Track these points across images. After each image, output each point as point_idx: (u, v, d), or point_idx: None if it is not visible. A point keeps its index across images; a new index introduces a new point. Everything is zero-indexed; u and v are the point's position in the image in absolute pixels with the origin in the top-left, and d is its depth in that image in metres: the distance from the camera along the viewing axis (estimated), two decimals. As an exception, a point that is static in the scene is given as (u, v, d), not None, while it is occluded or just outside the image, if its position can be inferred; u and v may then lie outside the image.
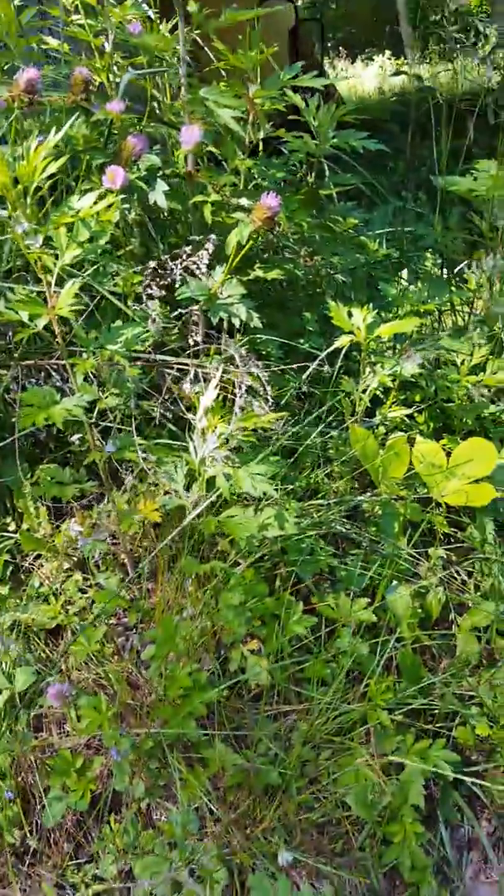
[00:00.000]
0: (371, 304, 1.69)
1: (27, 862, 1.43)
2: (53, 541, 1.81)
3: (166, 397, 1.60)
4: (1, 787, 1.38)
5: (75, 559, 1.83)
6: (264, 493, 1.25)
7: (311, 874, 1.29)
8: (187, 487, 1.42)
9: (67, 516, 1.90)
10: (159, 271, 1.41)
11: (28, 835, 1.43)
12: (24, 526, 1.85)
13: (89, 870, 1.39)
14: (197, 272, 1.39)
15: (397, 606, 1.51)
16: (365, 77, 10.09)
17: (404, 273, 2.14)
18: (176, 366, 1.48)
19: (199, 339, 1.48)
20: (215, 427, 1.22)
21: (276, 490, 1.32)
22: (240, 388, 1.30)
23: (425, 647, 1.59)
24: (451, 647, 1.60)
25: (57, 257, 1.21)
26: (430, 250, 2.19)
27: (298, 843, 1.26)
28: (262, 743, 1.38)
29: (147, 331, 1.35)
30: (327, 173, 1.96)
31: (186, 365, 1.47)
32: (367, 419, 1.83)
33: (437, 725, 1.43)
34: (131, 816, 1.38)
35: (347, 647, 1.43)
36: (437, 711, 1.46)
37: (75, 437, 1.88)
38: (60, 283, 1.29)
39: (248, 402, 1.27)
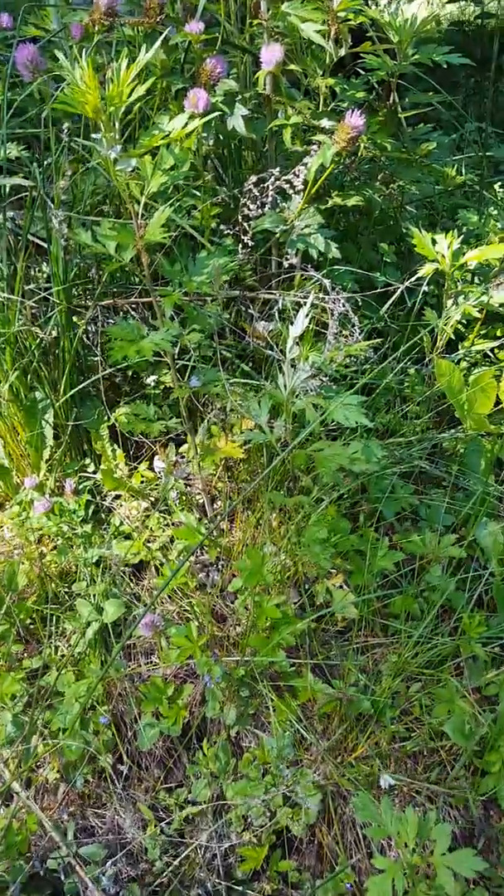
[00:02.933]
0: (455, 232, 1.61)
1: (121, 785, 1.48)
2: (132, 481, 1.83)
3: (246, 335, 1.57)
4: (97, 713, 1.42)
5: (153, 499, 1.85)
6: (357, 424, 1.22)
7: (406, 801, 1.30)
8: (271, 423, 1.40)
9: (143, 459, 1.91)
10: (246, 199, 1.36)
11: (121, 759, 1.49)
12: (103, 467, 1.87)
13: (181, 793, 1.43)
14: (291, 191, 1.34)
15: (488, 543, 1.47)
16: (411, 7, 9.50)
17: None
18: (262, 297, 1.45)
19: (277, 269, 1.43)
20: (307, 356, 1.19)
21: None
22: (332, 315, 1.26)
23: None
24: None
25: (143, 187, 1.18)
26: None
27: (393, 772, 1.27)
28: (352, 674, 1.38)
29: (233, 261, 1.32)
30: (399, 98, 1.86)
31: (273, 295, 1.44)
32: (447, 355, 1.77)
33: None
34: (222, 743, 1.41)
35: (437, 582, 1.40)
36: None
37: (151, 379, 1.87)
38: (142, 216, 1.26)
39: (337, 331, 1.23)
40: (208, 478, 1.86)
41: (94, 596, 1.58)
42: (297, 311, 1.25)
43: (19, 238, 1.68)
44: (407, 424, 1.72)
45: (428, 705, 1.34)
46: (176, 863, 1.36)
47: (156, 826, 1.38)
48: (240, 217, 1.39)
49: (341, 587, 1.48)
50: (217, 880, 1.36)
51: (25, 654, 1.56)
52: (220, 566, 1.71)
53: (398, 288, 1.63)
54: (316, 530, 1.45)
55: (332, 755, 1.33)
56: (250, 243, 1.41)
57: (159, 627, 1.41)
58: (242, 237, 1.39)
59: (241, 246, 1.38)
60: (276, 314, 1.40)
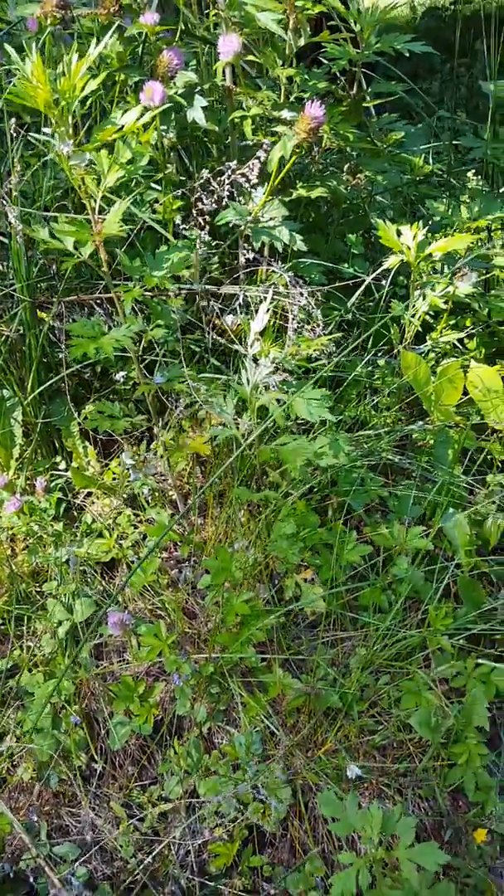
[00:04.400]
0: (420, 223, 1.60)
1: (94, 783, 1.48)
2: (103, 478, 1.82)
3: (209, 330, 1.56)
4: (67, 712, 1.42)
5: (125, 496, 1.84)
6: (321, 419, 1.22)
7: (375, 795, 1.31)
8: (236, 419, 1.39)
9: (115, 456, 1.90)
10: (202, 193, 1.35)
11: (94, 758, 1.49)
12: (74, 465, 1.86)
13: (154, 791, 1.43)
14: (246, 185, 1.33)
15: (454, 534, 1.48)
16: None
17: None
18: (223, 292, 1.44)
19: (242, 262, 1.42)
20: (268, 352, 1.18)
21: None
22: (292, 311, 1.25)
23: (483, 575, 1.56)
24: (510, 575, 1.57)
25: (100, 181, 1.16)
26: (475, 165, 2.06)
27: (362, 765, 1.28)
28: (321, 668, 1.39)
29: (191, 255, 1.30)
30: (366, 87, 1.85)
31: (234, 290, 1.42)
32: (415, 346, 1.77)
33: (500, 650, 1.41)
34: (194, 740, 1.41)
35: (404, 574, 1.41)
36: (498, 637, 1.44)
37: (120, 376, 1.86)
38: (102, 210, 1.24)
39: (300, 325, 1.22)
40: (180, 474, 1.85)
41: (65, 595, 1.57)
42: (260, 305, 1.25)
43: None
44: (377, 416, 1.72)
45: (396, 698, 1.35)
46: (149, 860, 1.36)
47: (129, 824, 1.39)
48: (194, 212, 1.38)
49: (311, 581, 1.48)
50: (190, 876, 1.37)
51: (-5, 656, 1.55)
52: (192, 563, 1.71)
53: (365, 280, 1.62)
54: (284, 525, 1.45)
55: (301, 750, 1.33)
56: (206, 237, 1.39)
57: (129, 626, 1.41)
58: (200, 231, 1.37)
59: (198, 240, 1.37)
60: (238, 309, 1.39)
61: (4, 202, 1.33)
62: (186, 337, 1.58)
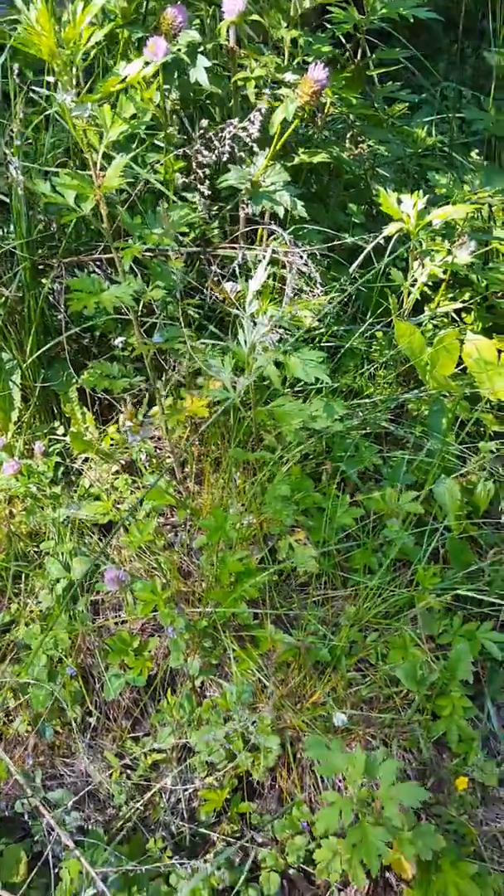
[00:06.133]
0: (421, 192, 1.61)
1: (88, 735, 1.52)
2: (101, 444, 1.85)
3: (209, 295, 1.57)
4: (64, 664, 1.45)
5: (122, 463, 1.87)
6: (317, 380, 1.24)
7: (361, 745, 1.35)
8: (234, 380, 1.41)
9: (112, 422, 1.92)
10: (200, 145, 1.35)
11: (89, 711, 1.52)
12: (73, 429, 1.88)
13: (147, 742, 1.48)
14: (248, 139, 1.33)
15: (445, 499, 1.51)
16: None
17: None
18: (222, 254, 1.45)
19: (242, 224, 1.43)
20: (266, 310, 1.20)
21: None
22: (290, 269, 1.26)
23: (472, 539, 1.59)
24: (500, 540, 1.61)
25: (102, 136, 1.17)
26: (478, 138, 2.06)
27: (349, 715, 1.31)
28: (311, 625, 1.42)
29: (192, 213, 1.31)
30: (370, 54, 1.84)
31: (234, 249, 1.44)
32: (413, 318, 1.79)
33: (486, 610, 1.45)
34: (187, 692, 1.45)
35: (394, 535, 1.44)
36: (484, 598, 1.48)
37: (119, 341, 1.87)
38: (104, 167, 1.25)
39: (298, 288, 1.24)
40: (178, 440, 1.87)
41: (63, 554, 1.60)
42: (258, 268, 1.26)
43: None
44: (374, 386, 1.74)
45: (384, 653, 1.39)
46: (141, 807, 1.41)
47: (122, 773, 1.43)
48: (194, 164, 1.38)
49: (303, 543, 1.51)
50: (181, 823, 1.41)
51: (-7, 610, 1.58)
52: (188, 527, 1.74)
53: (365, 249, 1.63)
54: (279, 487, 1.47)
55: (290, 701, 1.37)
56: (206, 192, 1.40)
57: (125, 582, 1.44)
58: (199, 186, 1.38)
59: (199, 196, 1.38)
60: (237, 269, 1.41)
61: (7, 156, 1.34)
62: (186, 302, 1.60)
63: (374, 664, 1.39)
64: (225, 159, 1.39)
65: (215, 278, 1.53)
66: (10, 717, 1.54)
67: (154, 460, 1.81)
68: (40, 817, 1.32)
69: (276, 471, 1.53)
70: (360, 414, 1.63)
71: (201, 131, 1.34)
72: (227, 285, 1.64)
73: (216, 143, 1.36)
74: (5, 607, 1.57)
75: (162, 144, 1.44)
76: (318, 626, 1.41)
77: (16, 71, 1.33)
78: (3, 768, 1.41)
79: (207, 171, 1.39)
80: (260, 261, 1.18)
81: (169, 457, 1.82)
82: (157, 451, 1.84)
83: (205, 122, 1.34)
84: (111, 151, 1.24)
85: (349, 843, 1.04)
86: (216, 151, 1.36)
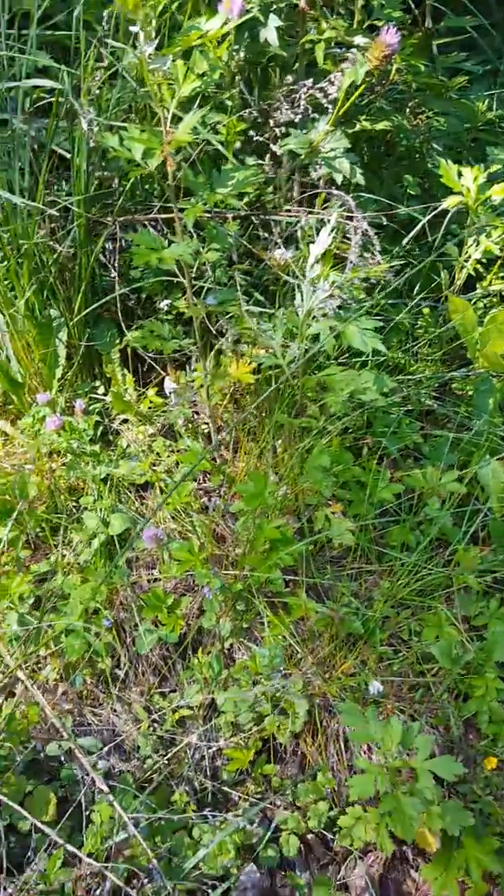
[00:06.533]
0: (481, 167, 1.58)
1: (117, 687, 1.55)
2: (140, 406, 1.86)
3: (261, 260, 1.56)
4: (100, 615, 1.48)
5: (159, 426, 1.88)
6: (374, 351, 1.23)
7: (389, 717, 1.36)
8: (285, 346, 1.41)
9: (152, 385, 1.93)
10: (283, 109, 1.33)
11: (119, 664, 1.55)
12: (113, 390, 1.89)
13: (174, 698, 1.50)
14: (325, 101, 1.31)
15: (488, 480, 1.49)
16: None
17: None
18: (279, 217, 1.43)
19: (297, 191, 1.41)
20: (328, 275, 1.18)
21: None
22: (356, 234, 1.25)
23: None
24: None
25: (174, 91, 1.16)
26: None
27: (382, 682, 1.32)
28: (344, 597, 1.43)
29: (258, 173, 1.30)
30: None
31: (291, 214, 1.42)
32: (463, 295, 1.76)
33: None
34: (216, 653, 1.47)
35: (435, 514, 1.43)
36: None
37: (164, 303, 1.87)
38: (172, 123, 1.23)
39: (360, 253, 1.22)
40: (215, 407, 1.88)
41: (101, 510, 1.62)
42: (319, 232, 1.25)
43: (43, 148, 1.66)
44: (419, 363, 1.72)
45: (417, 631, 1.39)
46: (165, 761, 1.43)
47: (149, 725, 1.45)
48: (271, 122, 1.36)
49: (339, 516, 1.51)
50: (204, 779, 1.44)
51: (33, 560, 1.61)
52: (221, 493, 1.75)
53: (420, 222, 1.60)
54: (319, 457, 1.47)
55: (320, 669, 1.38)
56: (279, 151, 1.38)
57: (162, 541, 1.46)
58: (271, 146, 1.36)
59: (269, 157, 1.36)
60: (292, 235, 1.39)
61: (79, 107, 1.33)
62: (236, 266, 1.59)
63: (406, 640, 1.39)
64: (298, 120, 1.37)
65: (268, 244, 1.52)
66: (40, 665, 1.57)
67: (191, 425, 1.82)
68: (73, 761, 1.35)
69: (317, 442, 1.52)
70: (404, 390, 1.62)
71: (282, 90, 1.32)
72: (276, 252, 1.63)
73: (287, 106, 1.34)
74: (45, 557, 1.60)
75: (229, 103, 1.42)
76: (351, 599, 1.41)
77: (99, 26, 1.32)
78: (35, 712, 1.44)
79: (283, 130, 1.36)
80: (325, 224, 1.17)
81: (206, 423, 1.82)
82: (195, 415, 1.85)
83: (289, 78, 1.32)
84: (178, 112, 1.23)
85: (381, 811, 1.05)
86: (292, 110, 1.34)
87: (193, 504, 1.65)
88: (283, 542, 1.43)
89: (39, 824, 1.21)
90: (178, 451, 1.79)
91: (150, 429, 1.86)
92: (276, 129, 1.38)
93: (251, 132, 1.41)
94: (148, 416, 1.86)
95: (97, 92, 1.49)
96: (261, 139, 1.38)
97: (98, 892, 1.15)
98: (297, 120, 1.37)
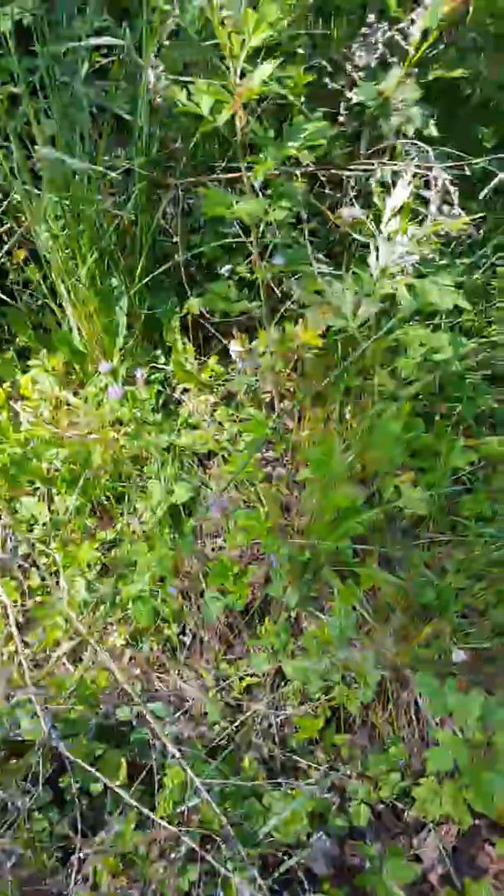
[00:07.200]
0: None
1: (184, 654, 1.55)
2: (201, 375, 1.83)
3: (328, 220, 1.50)
4: (166, 582, 1.48)
5: (220, 396, 1.86)
6: (448, 312, 1.17)
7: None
8: (356, 309, 1.35)
9: (212, 354, 1.90)
10: (360, 53, 1.26)
11: (185, 632, 1.55)
12: (174, 358, 1.87)
13: (241, 665, 1.50)
14: (404, 44, 1.23)
15: None
16: None
17: None
18: (350, 172, 1.37)
19: (369, 147, 1.34)
20: (406, 229, 1.12)
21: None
22: (435, 185, 1.18)
23: None
24: None
25: (243, 42, 1.11)
26: None
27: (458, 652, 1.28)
28: (416, 568, 1.39)
29: (331, 125, 1.24)
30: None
31: (369, 168, 1.36)
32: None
33: None
34: (283, 622, 1.45)
35: (513, 483, 1.37)
36: None
37: (225, 269, 1.83)
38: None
39: (441, 203, 1.16)
40: (278, 374, 1.84)
41: (165, 479, 1.61)
42: (394, 186, 1.18)
43: (103, 111, 1.62)
44: (493, 326, 1.64)
45: (493, 603, 1.34)
46: (233, 728, 1.43)
47: (216, 692, 1.45)
48: (349, 67, 1.29)
49: (412, 484, 1.46)
50: (272, 746, 1.43)
51: (99, 528, 1.62)
52: (285, 462, 1.72)
53: (497, 175, 1.51)
54: (389, 423, 1.42)
55: (393, 640, 1.35)
56: (355, 98, 1.32)
57: (228, 510, 1.44)
58: (346, 92, 1.30)
59: (343, 107, 1.30)
60: (374, 185, 1.32)
61: (146, 61, 1.29)
62: (304, 225, 1.53)
63: (482, 612, 1.34)
64: (374, 64, 1.30)
65: (336, 202, 1.46)
66: (108, 633, 1.59)
67: (253, 393, 1.79)
68: (143, 726, 1.36)
69: (387, 407, 1.47)
70: (479, 354, 1.54)
71: (364, 30, 1.25)
72: (343, 211, 1.56)
73: (361, 54, 1.27)
74: (110, 526, 1.61)
75: (300, 51, 1.36)
76: (423, 570, 1.37)
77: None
78: (104, 677, 1.46)
79: (362, 75, 1.29)
80: (400, 177, 1.11)
81: (267, 393, 1.79)
82: (257, 382, 1.82)
83: (371, 17, 1.25)
84: (246, 64, 1.18)
85: (460, 784, 1.02)
86: (368, 55, 1.27)
87: (258, 473, 1.63)
88: (353, 511, 1.39)
89: (113, 786, 1.23)
90: (240, 420, 1.76)
91: (212, 398, 1.84)
92: (355, 74, 1.31)
93: (325, 79, 1.34)
94: (209, 384, 1.84)
95: (158, 48, 1.44)
96: (335, 86, 1.31)
97: (173, 855, 1.16)
98: (373, 64, 1.29)
